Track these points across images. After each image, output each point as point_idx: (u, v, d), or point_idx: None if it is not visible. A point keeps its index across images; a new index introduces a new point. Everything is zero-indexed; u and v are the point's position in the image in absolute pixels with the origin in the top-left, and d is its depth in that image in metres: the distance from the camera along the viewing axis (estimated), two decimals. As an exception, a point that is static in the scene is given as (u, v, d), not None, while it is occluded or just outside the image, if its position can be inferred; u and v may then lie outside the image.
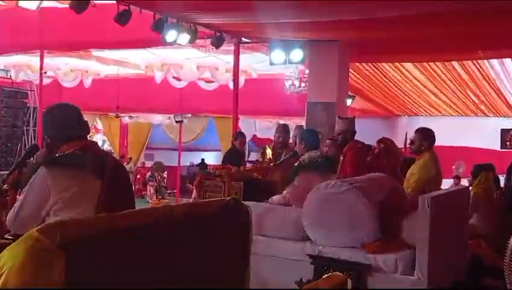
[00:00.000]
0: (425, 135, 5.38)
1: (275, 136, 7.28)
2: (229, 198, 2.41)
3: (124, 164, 18.12)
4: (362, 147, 6.09)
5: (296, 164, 5.04)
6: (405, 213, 4.13)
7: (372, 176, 4.98)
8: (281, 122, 14.43)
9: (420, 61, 10.55)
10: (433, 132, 5.44)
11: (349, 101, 11.51)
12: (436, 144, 5.40)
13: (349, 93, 11.10)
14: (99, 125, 19.69)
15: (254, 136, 18.48)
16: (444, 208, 4.16)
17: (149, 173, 18.15)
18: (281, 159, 6.10)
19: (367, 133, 8.81)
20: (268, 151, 6.90)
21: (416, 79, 11.77)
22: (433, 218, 3.71)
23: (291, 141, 7.07)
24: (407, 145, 5.75)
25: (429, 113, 14.73)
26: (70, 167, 2.67)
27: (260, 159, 6.78)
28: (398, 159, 7.37)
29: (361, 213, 3.95)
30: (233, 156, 7.68)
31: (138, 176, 19.09)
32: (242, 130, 17.92)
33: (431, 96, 13.07)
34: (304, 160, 4.95)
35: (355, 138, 6.32)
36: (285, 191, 4.98)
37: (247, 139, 18.94)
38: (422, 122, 13.73)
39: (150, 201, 16.02)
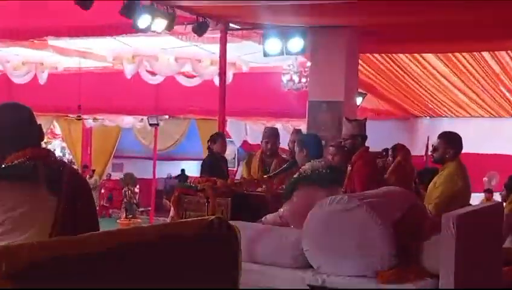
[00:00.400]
0: (450, 141, 5.39)
1: (262, 142, 7.30)
2: (213, 217, 2.40)
3: (87, 177, 18.13)
4: (374, 156, 6.11)
5: (295, 176, 5.04)
6: (426, 235, 4.13)
7: (387, 190, 4.99)
8: (277, 125, 14.49)
9: (444, 52, 10.62)
10: (459, 137, 5.46)
11: (359, 100, 11.56)
12: (463, 151, 5.42)
13: (360, 90, 11.14)
14: (57, 130, 19.68)
15: (245, 142, 18.52)
16: (473, 229, 4.17)
17: (121, 187, 18.12)
18: (277, 170, 6.11)
19: (380, 137, 8.89)
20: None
21: (439, 73, 11.83)
22: (459, 241, 3.71)
23: (286, 147, 7.11)
24: (429, 153, 5.79)
25: (455, 114, 14.82)
26: (18, 180, 2.64)
27: (244, 171, 6.80)
28: (413, 169, 7.43)
29: (373, 235, 3.94)
30: (214, 164, 7.68)
31: (103, 191, 19.05)
32: (231, 135, 18.08)
33: (457, 93, 13.14)
34: (306, 171, 4.96)
35: (366, 144, 6.35)
36: (282, 209, 4.97)
37: (237, 145, 19.18)
38: (447, 124, 13.80)
39: (118, 221, 15.96)
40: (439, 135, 5.52)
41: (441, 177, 5.31)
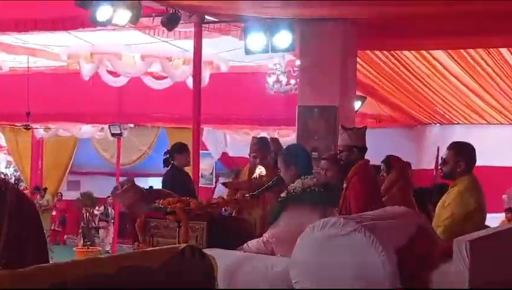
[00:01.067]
0: (462, 152, 5.43)
1: (250, 155, 7.32)
2: (184, 245, 2.41)
3: (37, 197, 18.03)
4: (373, 171, 6.15)
5: (282, 195, 5.04)
6: (435, 264, 4.15)
7: (390, 211, 5.00)
8: (262, 134, 14.49)
9: (457, 48, 10.67)
10: (472, 148, 5.49)
11: (357, 105, 11.60)
12: (478, 164, 5.46)
13: (358, 93, 11.18)
14: (2, 141, 19.55)
15: (224, 154, 18.52)
16: (490, 256, 4.18)
17: (77, 209, 18.02)
18: (260, 189, 6.10)
19: (382, 149, 8.90)
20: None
21: (451, 73, 11.90)
22: (473, 270, 3.73)
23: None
24: (439, 167, 5.83)
25: (469, 121, 14.91)
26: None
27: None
28: (410, 184, 7.48)
29: (373, 264, 3.95)
30: (178, 180, 7.72)
31: (54, 213, 18.94)
32: (208, 146, 18.07)
33: (472, 97, 13.23)
34: (295, 189, 4.96)
35: (366, 156, 6.38)
36: (266, 234, 4.97)
37: (215, 158, 19.14)
38: (460, 133, 13.90)
39: (75, 249, 15.88)
40: (449, 145, 5.55)
41: (451, 195, 5.33)
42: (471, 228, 4.79)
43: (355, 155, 6.27)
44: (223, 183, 7.23)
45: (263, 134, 15.59)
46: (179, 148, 8.19)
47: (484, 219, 5.47)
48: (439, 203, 5.46)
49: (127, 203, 6.00)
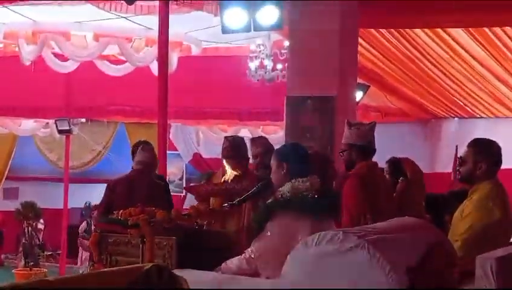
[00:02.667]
0: (483, 151, 5.46)
1: (254, 161, 7.35)
2: (150, 265, 2.42)
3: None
4: (372, 173, 6.19)
5: (268, 202, 5.06)
6: (454, 286, 4.18)
7: (400, 223, 5.02)
8: (243, 131, 14.52)
9: (479, 26, 10.71)
10: (497, 146, 5.52)
11: (359, 95, 11.64)
12: (504, 167, 5.49)
13: (360, 81, 11.20)
14: None
15: (196, 155, 18.50)
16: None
17: (16, 222, 17.93)
18: (244, 195, 6.12)
19: (389, 147, 8.93)
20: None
21: (472, 57, 11.95)
22: (501, 293, 3.76)
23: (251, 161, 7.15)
24: (456, 169, 5.85)
25: (494, 114, 14.98)
26: None
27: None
28: (423, 189, 7.55)
29: (379, 287, 3.98)
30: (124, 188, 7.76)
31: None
32: (177, 146, 18.04)
33: (497, 85, 13.28)
34: (284, 194, 4.98)
35: (374, 158, 6.44)
36: (249, 249, 4.99)
37: (186, 160, 19.07)
38: (483, 128, 13.96)
39: (14, 271, 15.82)
40: (469, 143, 5.58)
41: (471, 203, 5.36)
42: (495, 244, 4.81)
43: (355, 156, 6.31)
44: (186, 188, 7.24)
45: (244, 131, 15.63)
46: (133, 147, 8.19)
47: (510, 232, 5.50)
48: (455, 214, 5.48)
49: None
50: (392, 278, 3.99)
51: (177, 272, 2.48)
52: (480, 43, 11.28)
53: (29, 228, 17.06)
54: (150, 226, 5.25)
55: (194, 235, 5.81)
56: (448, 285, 4.22)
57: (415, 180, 7.55)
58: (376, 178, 6.58)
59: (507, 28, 10.64)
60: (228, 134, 14.58)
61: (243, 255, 5.01)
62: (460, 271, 4.31)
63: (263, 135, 15.06)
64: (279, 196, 4.98)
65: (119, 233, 5.61)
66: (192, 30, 11.75)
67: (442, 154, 14.73)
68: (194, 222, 5.99)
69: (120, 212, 5.45)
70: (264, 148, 7.33)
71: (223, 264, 5.07)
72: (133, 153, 8.05)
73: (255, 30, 9.14)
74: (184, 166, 19.23)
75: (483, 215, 5.26)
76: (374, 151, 6.43)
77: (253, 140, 7.98)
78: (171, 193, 8.41)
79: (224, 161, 7.21)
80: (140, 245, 5.25)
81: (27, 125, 17.47)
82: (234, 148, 7.16)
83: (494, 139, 5.65)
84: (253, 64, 12.59)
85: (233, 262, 5.04)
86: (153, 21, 9.92)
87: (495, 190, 5.37)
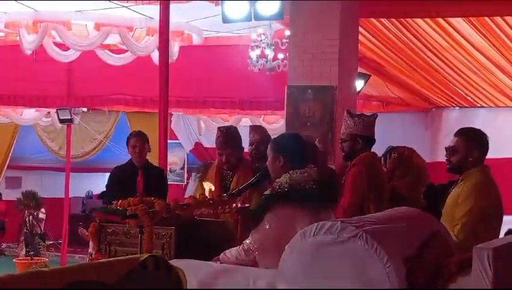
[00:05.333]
0: (474, 139, 5.57)
1: (250, 148, 7.34)
2: (146, 255, 2.41)
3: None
4: (380, 166, 6.21)
5: (266, 193, 5.06)
6: (452, 276, 4.18)
7: (398, 213, 5.03)
8: (244, 120, 14.50)
9: (480, 15, 10.68)
10: (484, 135, 5.63)
11: (359, 84, 11.62)
12: (501, 156, 5.60)
13: (360, 70, 11.19)
14: None
15: (197, 144, 18.48)
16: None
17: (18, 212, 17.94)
18: (241, 186, 6.12)
19: (390, 137, 8.94)
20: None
21: (473, 46, 11.92)
22: (497, 282, 3.76)
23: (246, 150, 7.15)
24: (446, 158, 5.93)
25: (495, 104, 14.95)
26: None
27: (199, 189, 6.79)
28: (422, 179, 7.57)
29: (377, 277, 3.97)
30: (126, 177, 7.91)
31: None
32: (178, 135, 18.02)
33: (499, 74, 13.26)
34: (282, 185, 4.97)
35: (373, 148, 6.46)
36: (247, 240, 4.99)
37: (187, 149, 19.06)
38: (484, 117, 13.95)
39: (15, 261, 15.83)
40: (456, 132, 5.70)
41: (467, 188, 5.46)
42: (490, 226, 4.89)
43: (360, 146, 6.35)
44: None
45: (245, 120, 15.63)
46: (127, 139, 8.29)
47: (501, 219, 5.59)
48: (448, 201, 5.56)
49: None
50: (390, 268, 3.99)
51: (175, 262, 2.48)
52: (481, 33, 11.26)
53: (30, 217, 17.05)
54: (148, 216, 5.24)
55: (193, 226, 5.81)
56: (446, 275, 4.22)
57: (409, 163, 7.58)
58: (379, 169, 6.63)
59: (508, 18, 10.62)
60: (229, 123, 14.65)
61: (241, 245, 5.01)
62: (457, 261, 4.31)
63: (264, 124, 15.16)
64: (277, 188, 4.97)
65: (118, 223, 5.61)
66: (193, 19, 11.72)
67: (443, 144, 14.48)
68: (195, 212, 5.99)
69: (119, 202, 5.45)
70: (262, 137, 7.32)
71: (222, 254, 5.07)
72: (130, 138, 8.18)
73: (255, 20, 9.17)
74: (185, 155, 19.21)
75: (481, 198, 5.40)
76: (374, 142, 6.48)
77: (253, 127, 8.00)
78: (173, 182, 8.47)
79: (218, 152, 7.20)
80: (139, 235, 5.25)
81: (28, 115, 17.47)
82: (227, 138, 7.13)
83: (495, 129, 5.78)
84: (254, 54, 12.56)
85: (231, 253, 5.04)
86: (154, 10, 9.90)
87: (486, 175, 5.53)
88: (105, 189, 8.62)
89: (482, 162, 5.58)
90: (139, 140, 8.15)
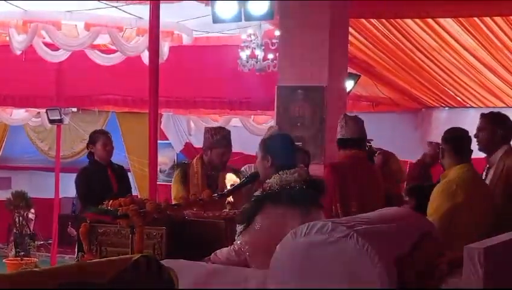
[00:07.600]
0: (454, 139, 5.70)
1: (203, 149, 7.38)
2: (138, 255, 2.42)
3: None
4: (353, 162, 6.36)
5: (257, 193, 5.07)
6: (442, 276, 4.20)
7: (389, 213, 5.04)
8: (234, 121, 14.48)
9: (469, 16, 10.70)
10: (466, 132, 5.72)
11: (349, 84, 11.63)
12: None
13: (350, 70, 11.20)
14: None
15: (187, 144, 18.44)
16: (506, 265, 4.23)
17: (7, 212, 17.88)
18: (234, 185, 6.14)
19: (379, 136, 8.96)
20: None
21: (463, 47, 11.95)
22: (487, 282, 3.77)
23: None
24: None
25: (485, 104, 14.97)
26: None
27: (179, 190, 6.82)
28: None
29: (368, 277, 3.98)
30: (96, 177, 8.09)
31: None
32: (168, 135, 17.99)
33: (488, 75, 13.29)
34: (272, 187, 4.99)
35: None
36: (238, 241, 4.99)
37: (177, 150, 19.01)
38: (473, 118, 13.85)
39: (5, 261, 15.79)
40: (444, 133, 5.84)
41: (437, 187, 5.60)
42: (460, 225, 5.01)
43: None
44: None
45: (235, 120, 15.62)
46: (97, 137, 8.37)
47: (479, 214, 5.68)
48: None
49: None
50: (381, 268, 4.00)
51: (166, 262, 2.48)
52: (470, 33, 11.29)
53: (20, 218, 17.01)
54: (139, 216, 5.25)
55: (184, 226, 5.81)
56: (436, 274, 4.23)
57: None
58: (345, 168, 6.75)
59: (497, 18, 10.65)
60: (219, 124, 14.64)
61: (232, 246, 5.02)
62: (448, 261, 4.33)
63: (254, 124, 15.19)
64: (268, 188, 4.99)
65: (109, 223, 5.61)
66: (183, 19, 11.71)
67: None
68: (186, 213, 6.00)
69: (110, 203, 5.45)
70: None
71: (213, 254, 5.08)
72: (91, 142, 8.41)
73: (245, 20, 9.14)
74: (175, 155, 19.17)
75: (447, 198, 5.56)
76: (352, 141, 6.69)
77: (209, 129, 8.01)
78: (163, 183, 8.51)
79: (219, 151, 7.23)
80: (130, 235, 5.25)
81: (18, 115, 17.39)
82: (229, 138, 7.29)
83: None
84: (244, 54, 12.55)
85: (222, 252, 5.05)
86: (144, 10, 9.88)
87: (462, 174, 5.64)
88: (78, 193, 8.73)
89: (464, 161, 5.74)
90: (109, 139, 8.43)
